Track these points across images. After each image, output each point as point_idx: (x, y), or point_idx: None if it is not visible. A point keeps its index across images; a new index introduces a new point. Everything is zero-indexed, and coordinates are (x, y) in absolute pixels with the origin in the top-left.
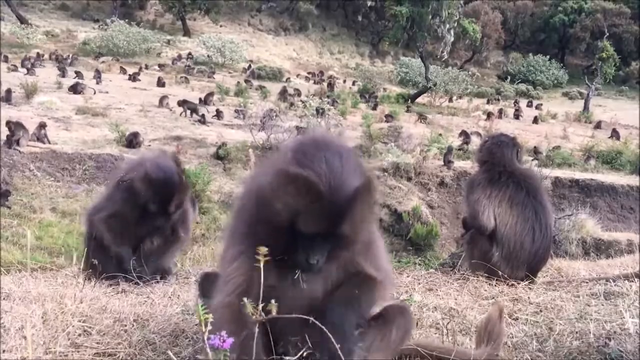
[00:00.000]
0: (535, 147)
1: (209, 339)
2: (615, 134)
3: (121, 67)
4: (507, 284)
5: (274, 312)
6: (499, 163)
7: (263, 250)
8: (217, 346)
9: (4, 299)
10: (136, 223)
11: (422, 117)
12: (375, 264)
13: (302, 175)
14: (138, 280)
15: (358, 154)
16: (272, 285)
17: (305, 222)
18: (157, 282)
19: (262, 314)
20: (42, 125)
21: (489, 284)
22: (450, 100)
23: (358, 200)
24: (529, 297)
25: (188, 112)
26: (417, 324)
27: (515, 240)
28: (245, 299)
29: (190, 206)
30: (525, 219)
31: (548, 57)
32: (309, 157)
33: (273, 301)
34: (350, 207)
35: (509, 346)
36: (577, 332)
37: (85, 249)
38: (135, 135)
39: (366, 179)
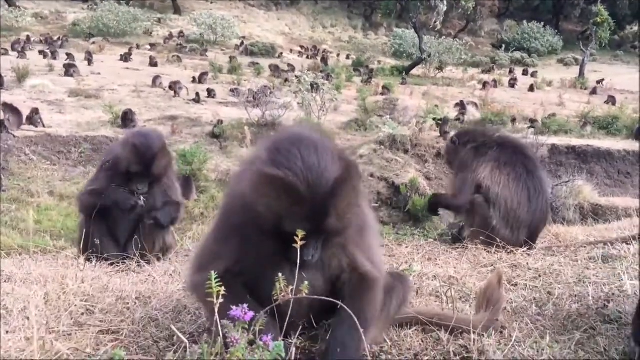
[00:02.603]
0: (531, 119)
1: (229, 310)
2: (611, 100)
3: (101, 47)
4: (506, 251)
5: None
6: (482, 134)
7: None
8: (238, 317)
9: (5, 281)
10: None
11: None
12: (368, 254)
13: (279, 176)
14: (139, 259)
15: (334, 140)
16: (269, 278)
17: (290, 223)
18: (158, 259)
19: (289, 293)
20: (34, 111)
21: (488, 251)
22: (440, 69)
23: (340, 190)
24: (527, 263)
25: (180, 91)
26: (417, 292)
27: (511, 198)
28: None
29: (175, 182)
30: (518, 176)
31: (542, 23)
32: (283, 154)
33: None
34: (333, 199)
35: (509, 311)
36: (576, 296)
37: (84, 230)
38: (126, 113)
39: (346, 165)
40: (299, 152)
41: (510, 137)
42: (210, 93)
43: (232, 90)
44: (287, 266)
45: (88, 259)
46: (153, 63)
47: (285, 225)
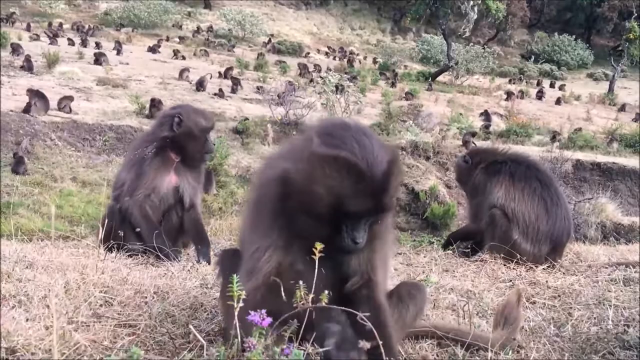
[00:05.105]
0: (554, 132)
1: (247, 314)
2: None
3: (129, 37)
4: (525, 268)
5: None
6: (492, 153)
7: (319, 246)
8: (256, 323)
9: (26, 267)
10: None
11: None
12: (383, 269)
13: (341, 156)
14: (164, 257)
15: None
16: (300, 271)
17: (353, 203)
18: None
19: (310, 301)
20: (69, 99)
21: (507, 266)
22: (456, 77)
23: (393, 170)
24: (547, 281)
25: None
26: (433, 305)
27: (529, 211)
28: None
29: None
30: (533, 190)
31: (574, 36)
32: (338, 138)
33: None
34: (390, 180)
35: (526, 330)
36: (595, 318)
37: (107, 221)
38: (153, 100)
39: (393, 151)
40: (352, 136)
41: (521, 153)
42: (235, 89)
43: (257, 88)
44: (329, 257)
45: (109, 250)
46: (180, 56)
47: (348, 204)
